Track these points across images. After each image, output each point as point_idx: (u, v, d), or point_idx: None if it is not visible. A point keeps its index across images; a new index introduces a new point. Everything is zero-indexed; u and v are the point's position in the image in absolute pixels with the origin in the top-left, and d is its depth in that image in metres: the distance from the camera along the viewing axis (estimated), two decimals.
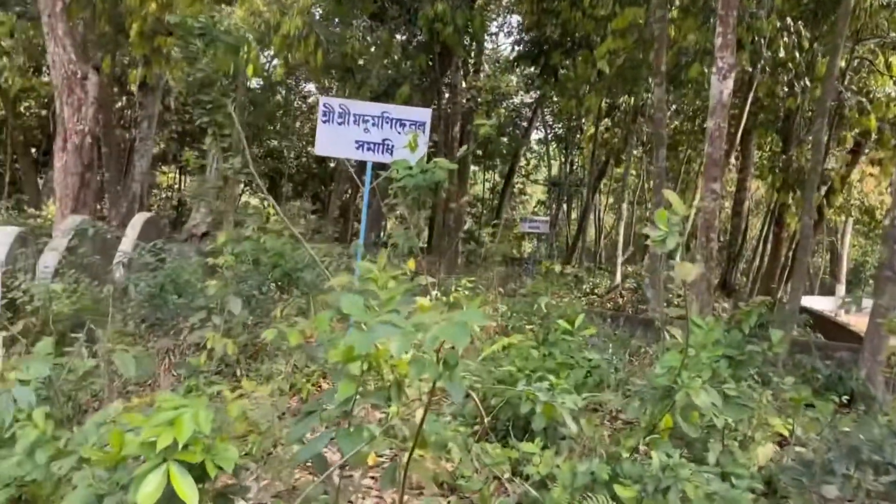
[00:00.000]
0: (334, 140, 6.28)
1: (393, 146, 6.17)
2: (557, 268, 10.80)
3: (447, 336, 1.81)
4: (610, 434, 4.32)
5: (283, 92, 29.02)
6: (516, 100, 29.08)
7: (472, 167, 29.40)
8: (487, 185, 35.97)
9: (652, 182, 26.91)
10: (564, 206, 31.38)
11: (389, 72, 17.23)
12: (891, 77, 15.61)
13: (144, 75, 16.24)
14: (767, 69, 14.38)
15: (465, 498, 3.79)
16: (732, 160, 19.10)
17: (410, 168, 4.99)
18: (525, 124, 28.78)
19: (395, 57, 18.20)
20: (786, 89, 16.83)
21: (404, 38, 18.33)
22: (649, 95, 20.68)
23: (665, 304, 10.13)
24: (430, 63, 17.47)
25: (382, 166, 6.65)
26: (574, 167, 30.99)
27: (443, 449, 3.52)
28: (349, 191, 27.31)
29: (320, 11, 18.79)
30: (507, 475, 3.71)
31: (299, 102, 30.74)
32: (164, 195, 33.81)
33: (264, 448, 3.75)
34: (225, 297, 5.12)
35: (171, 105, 24.91)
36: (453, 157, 16.67)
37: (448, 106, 18.33)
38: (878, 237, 33.33)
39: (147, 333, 6.12)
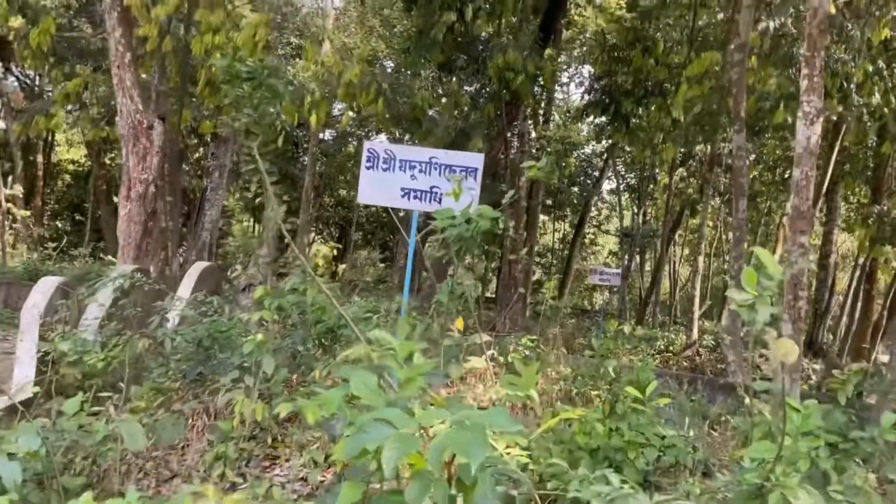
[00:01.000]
0: (379, 188, 5.92)
1: (442, 194, 5.72)
2: (627, 328, 9.97)
3: (458, 448, 1.34)
4: None
5: (355, 143, 29.43)
6: (587, 149, 28.65)
7: (542, 217, 28.93)
8: (557, 235, 35.33)
9: (730, 234, 25.79)
10: (637, 257, 30.40)
11: (458, 122, 17.06)
12: None
13: (215, 125, 16.61)
14: (857, 115, 13.48)
15: None
16: (817, 212, 17.99)
17: (453, 217, 4.55)
18: (596, 174, 28.26)
19: (465, 108, 18.06)
20: (876, 137, 15.80)
21: (473, 88, 18.20)
22: (727, 144, 19.88)
23: (748, 368, 9.28)
24: (498, 113, 17.25)
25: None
26: (647, 217, 30.11)
27: None
28: (419, 243, 27.22)
29: (391, 64, 18.93)
30: None
31: None
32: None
33: None
34: (261, 355, 4.76)
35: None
36: (519, 208, 16.23)
37: (517, 156, 17.98)
38: None
39: (186, 391, 5.82)
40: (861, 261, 19.26)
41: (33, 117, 16.83)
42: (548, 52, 16.91)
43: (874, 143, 16.24)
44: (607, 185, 31.08)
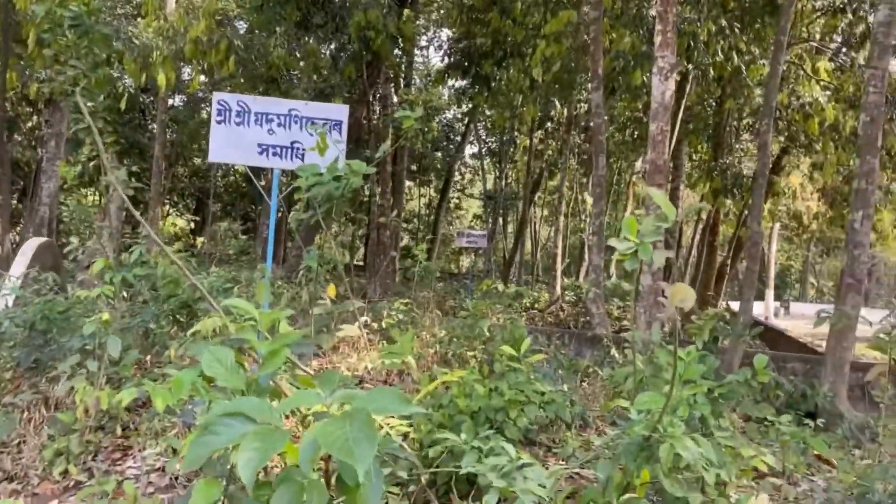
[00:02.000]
0: (232, 144, 5.31)
1: (304, 150, 5.28)
2: (500, 286, 10.00)
3: (338, 448, 1.07)
4: (574, 492, 3.62)
5: (208, 108, 27.76)
6: (449, 114, 28.74)
7: (408, 182, 28.81)
8: (423, 200, 35.40)
9: (586, 195, 26.85)
10: (500, 219, 31.07)
11: (318, 84, 16.38)
12: (818, 82, 15.68)
13: (50, 91, 14.96)
14: (700, 74, 14.21)
15: None
16: None
17: (320, 174, 4.18)
18: (459, 139, 28.45)
19: (324, 71, 17.37)
20: (717, 96, 16.79)
21: (332, 48, 17.52)
22: (583, 105, 20.49)
23: (609, 321, 9.60)
24: (360, 74, 16.74)
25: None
26: (509, 180, 30.73)
27: None
28: (283, 209, 26.19)
29: (244, 25, 17.83)
30: None
31: None
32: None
33: None
34: (106, 336, 4.23)
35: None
36: (385, 174, 15.94)
37: (380, 120, 17.59)
38: (805, 242, 34.17)
39: (20, 380, 5.14)
40: (704, 214, 20.56)
41: None
42: (406, 12, 16.56)
43: (716, 102, 17.27)
44: (469, 150, 31.42)
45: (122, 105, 13.27)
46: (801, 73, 15.85)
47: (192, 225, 29.13)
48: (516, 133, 26.58)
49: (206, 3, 11.96)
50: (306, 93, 15.88)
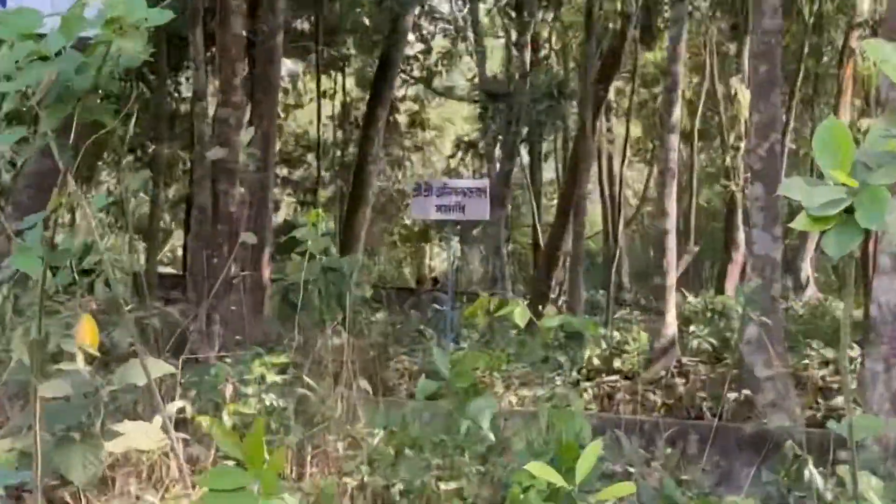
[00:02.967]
0: None
1: None
2: (524, 311, 3.91)
3: None
4: None
5: None
6: None
7: (289, 65, 17.93)
8: (332, 108, 20.24)
9: (736, 80, 19.43)
10: (523, 152, 20.31)
11: None
12: None
13: None
14: None
15: None
16: None
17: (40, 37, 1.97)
18: None
19: None
20: None
21: None
22: None
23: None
24: None
25: None
26: (543, 56, 19.07)
27: None
28: None
29: None
30: None
31: None
32: None
33: None
34: None
35: None
36: (225, 35, 9.20)
37: None
38: None
39: None
40: None
41: None
42: None
43: None
44: None
45: None
46: None
47: None
48: None
49: None
50: None
